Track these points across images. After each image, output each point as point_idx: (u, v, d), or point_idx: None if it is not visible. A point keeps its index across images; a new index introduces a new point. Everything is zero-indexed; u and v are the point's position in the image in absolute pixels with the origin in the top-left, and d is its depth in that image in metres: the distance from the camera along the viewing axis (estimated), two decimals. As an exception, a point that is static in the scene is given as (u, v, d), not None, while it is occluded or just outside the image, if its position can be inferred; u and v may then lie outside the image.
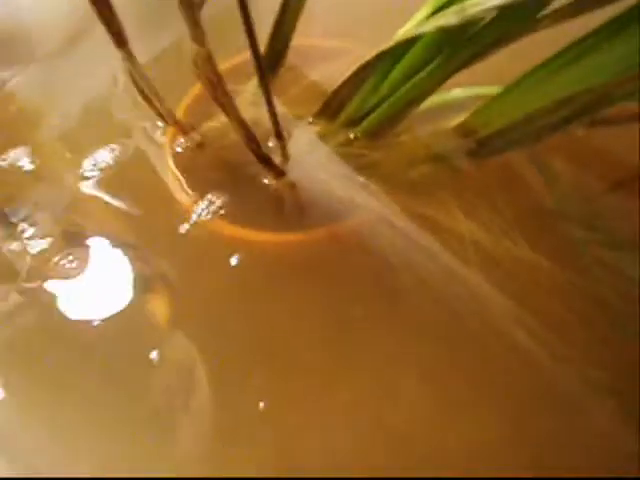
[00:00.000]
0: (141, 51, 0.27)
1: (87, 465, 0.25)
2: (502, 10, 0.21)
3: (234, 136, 0.27)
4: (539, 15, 0.22)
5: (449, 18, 0.22)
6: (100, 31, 0.25)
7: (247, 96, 0.29)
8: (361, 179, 0.28)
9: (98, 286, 0.29)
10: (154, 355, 0.26)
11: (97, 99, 0.37)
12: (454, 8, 0.22)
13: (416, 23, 0.24)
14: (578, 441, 0.25)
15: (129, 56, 0.26)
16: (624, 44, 0.20)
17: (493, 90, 0.25)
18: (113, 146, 0.33)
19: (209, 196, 0.29)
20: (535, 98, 0.24)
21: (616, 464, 0.24)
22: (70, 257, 0.29)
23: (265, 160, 0.27)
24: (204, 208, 0.29)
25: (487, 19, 0.23)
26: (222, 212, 0.29)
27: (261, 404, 0.25)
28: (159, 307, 0.27)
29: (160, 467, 0.24)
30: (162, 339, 0.27)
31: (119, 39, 0.25)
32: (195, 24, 0.20)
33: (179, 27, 0.22)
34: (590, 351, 0.26)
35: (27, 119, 0.38)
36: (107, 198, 0.32)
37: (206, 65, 0.23)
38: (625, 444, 0.24)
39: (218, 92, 0.22)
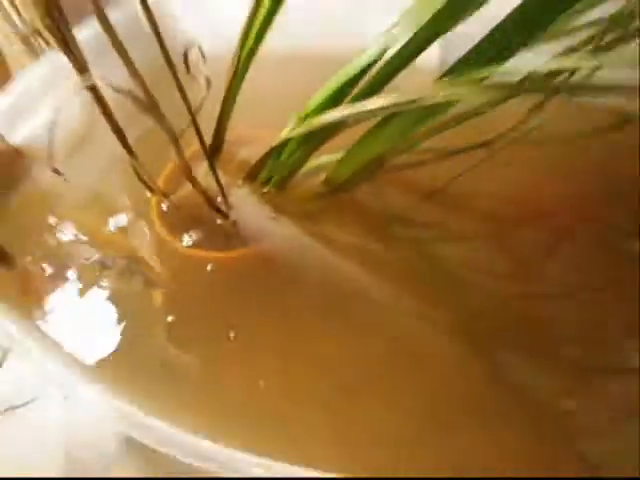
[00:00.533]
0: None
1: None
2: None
3: (196, 196, 0.47)
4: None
5: (311, 124, 0.42)
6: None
7: (203, 170, 0.48)
8: (274, 215, 0.48)
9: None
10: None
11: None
12: (316, 119, 0.42)
13: (290, 128, 0.45)
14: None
15: (130, 152, 0.44)
16: (393, 129, 0.41)
17: (340, 155, 0.46)
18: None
19: (186, 235, 0.49)
20: (363, 155, 0.45)
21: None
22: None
23: (217, 210, 0.47)
24: (184, 241, 0.48)
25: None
26: (195, 242, 0.48)
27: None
28: (157, 298, 0.45)
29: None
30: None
31: (123, 141, 0.43)
32: (179, 151, 0.40)
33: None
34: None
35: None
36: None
37: (178, 153, 0.42)
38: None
39: (186, 171, 0.42)
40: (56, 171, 0.37)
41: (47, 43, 0.36)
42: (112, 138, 0.41)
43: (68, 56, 0.35)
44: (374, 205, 0.49)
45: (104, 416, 0.34)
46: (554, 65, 0.35)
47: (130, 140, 0.42)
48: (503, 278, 0.46)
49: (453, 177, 0.46)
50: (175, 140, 0.37)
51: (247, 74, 0.48)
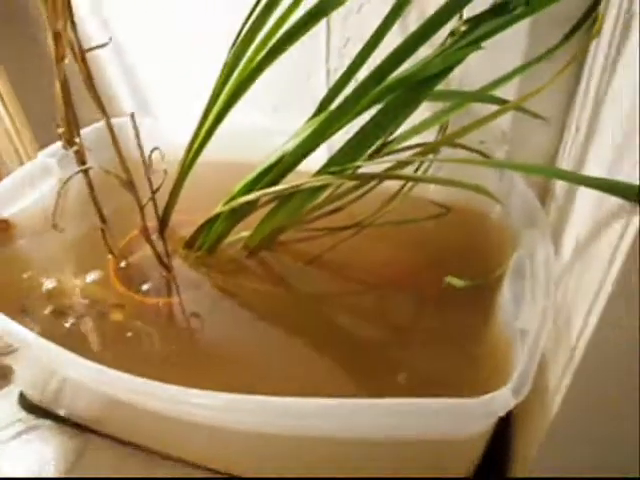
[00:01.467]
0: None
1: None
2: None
3: (145, 260, 0.65)
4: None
5: (234, 203, 0.63)
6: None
7: (155, 240, 0.67)
8: (204, 271, 0.67)
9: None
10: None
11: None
12: (237, 200, 0.63)
13: (220, 206, 0.65)
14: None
15: (104, 221, 0.63)
16: (288, 208, 0.62)
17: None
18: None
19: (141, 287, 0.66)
20: (267, 227, 0.65)
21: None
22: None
23: (163, 265, 0.65)
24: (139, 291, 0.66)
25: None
26: (142, 292, 0.66)
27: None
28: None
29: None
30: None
31: (100, 213, 0.62)
32: (142, 216, 0.59)
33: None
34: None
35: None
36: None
37: (144, 230, 0.61)
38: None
39: (145, 233, 0.60)
40: (55, 226, 0.54)
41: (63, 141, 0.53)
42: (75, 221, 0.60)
43: (75, 152, 0.55)
44: (274, 265, 0.69)
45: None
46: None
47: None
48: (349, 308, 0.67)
49: (329, 248, 0.68)
50: (141, 207, 0.56)
51: (190, 175, 0.69)
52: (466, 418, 0.42)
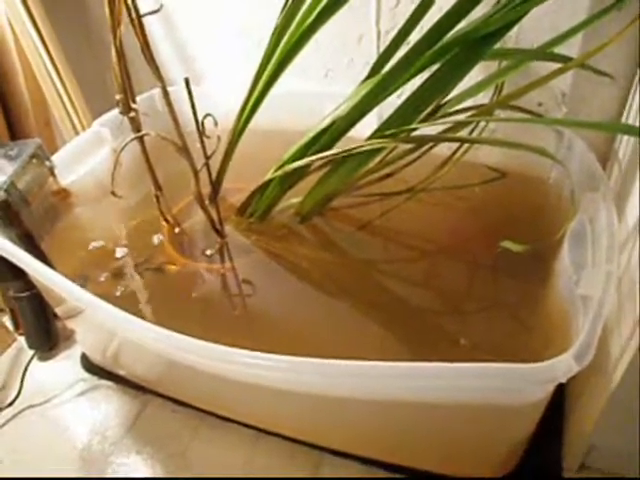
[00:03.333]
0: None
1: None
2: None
3: (199, 226, 0.66)
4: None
5: (285, 169, 0.63)
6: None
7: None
8: (256, 237, 0.68)
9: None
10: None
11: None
12: (289, 166, 0.63)
13: (271, 173, 0.65)
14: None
15: (159, 188, 0.64)
16: (339, 174, 0.62)
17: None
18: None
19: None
20: (319, 193, 0.65)
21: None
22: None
23: (216, 230, 0.66)
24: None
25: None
26: (196, 258, 0.67)
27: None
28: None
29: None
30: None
31: (154, 179, 0.63)
32: (197, 181, 0.60)
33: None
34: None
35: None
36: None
37: (199, 195, 0.61)
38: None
39: (199, 198, 0.61)
40: (114, 193, 0.55)
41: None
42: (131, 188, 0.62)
43: (131, 119, 0.55)
44: (326, 231, 0.69)
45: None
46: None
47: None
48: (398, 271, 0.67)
49: (381, 213, 0.67)
50: (196, 173, 0.57)
51: (240, 143, 0.69)
52: (527, 383, 0.41)
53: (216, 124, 0.59)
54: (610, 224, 0.53)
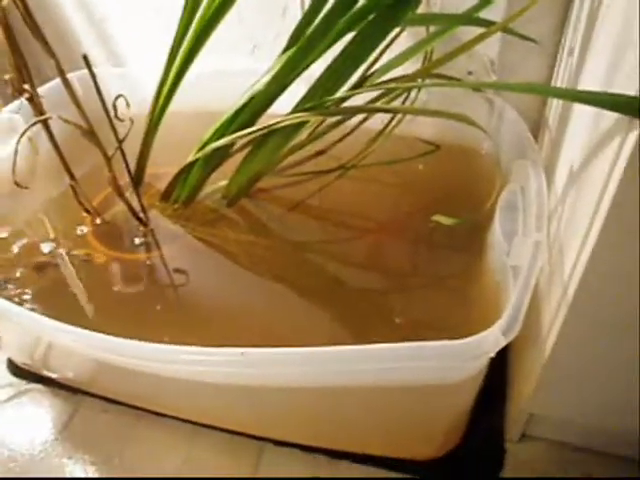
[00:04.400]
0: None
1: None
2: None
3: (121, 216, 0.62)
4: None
5: (207, 150, 0.60)
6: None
7: (128, 195, 0.64)
8: (183, 223, 0.64)
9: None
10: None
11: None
12: (210, 146, 0.60)
13: (193, 154, 0.62)
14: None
15: (73, 177, 0.60)
16: (264, 152, 0.59)
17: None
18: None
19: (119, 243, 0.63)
20: (245, 174, 0.62)
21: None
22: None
23: (138, 219, 0.62)
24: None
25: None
26: (119, 248, 0.63)
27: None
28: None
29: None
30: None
31: (67, 169, 0.59)
32: (110, 167, 0.56)
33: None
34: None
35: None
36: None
37: (113, 182, 0.58)
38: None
39: (116, 187, 0.57)
40: (17, 184, 0.51)
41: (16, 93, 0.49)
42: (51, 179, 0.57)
43: (30, 102, 0.51)
44: (256, 213, 0.67)
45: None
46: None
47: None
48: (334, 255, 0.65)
49: (312, 192, 0.65)
50: (107, 159, 0.53)
51: (166, 126, 0.66)
52: (456, 360, 0.40)
53: (128, 106, 0.55)
54: (540, 192, 0.52)
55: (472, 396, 0.52)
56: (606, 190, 0.36)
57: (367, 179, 0.68)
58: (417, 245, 0.65)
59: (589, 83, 0.46)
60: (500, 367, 0.62)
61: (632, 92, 0.33)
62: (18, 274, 0.62)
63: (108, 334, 0.45)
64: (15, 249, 0.65)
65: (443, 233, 0.64)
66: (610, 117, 0.37)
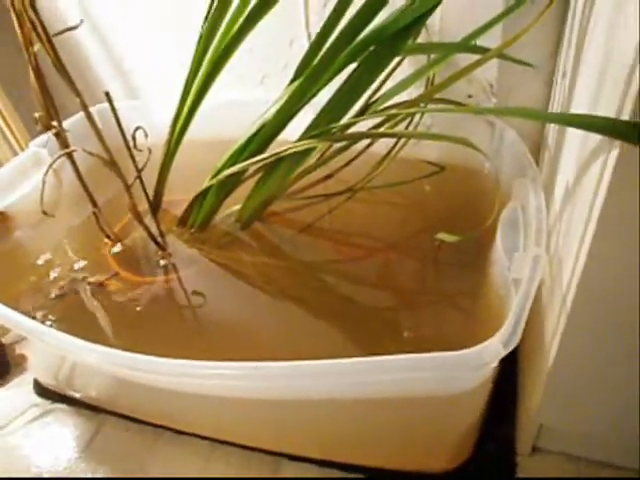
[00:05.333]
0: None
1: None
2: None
3: (141, 242, 0.66)
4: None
5: (221, 176, 0.63)
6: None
7: (147, 221, 0.67)
8: (199, 247, 0.68)
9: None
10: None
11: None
12: (224, 172, 0.63)
13: (207, 181, 0.65)
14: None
15: (95, 204, 0.63)
16: (274, 177, 0.62)
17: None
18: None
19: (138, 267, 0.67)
20: (257, 198, 0.65)
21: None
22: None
23: (157, 243, 0.65)
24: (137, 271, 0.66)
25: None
26: (139, 273, 0.66)
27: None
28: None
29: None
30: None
31: (90, 196, 0.62)
32: (130, 195, 0.59)
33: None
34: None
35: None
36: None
37: (133, 209, 0.61)
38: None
39: (136, 213, 0.61)
40: (45, 212, 0.54)
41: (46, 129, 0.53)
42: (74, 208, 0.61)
43: (57, 136, 0.55)
44: (269, 236, 0.69)
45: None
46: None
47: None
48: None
49: (322, 214, 0.68)
50: (127, 187, 0.56)
51: (181, 154, 0.69)
52: (458, 370, 0.42)
53: (146, 136, 0.59)
54: (539, 209, 0.54)
55: (479, 407, 0.53)
56: (594, 205, 0.38)
57: (375, 201, 0.71)
58: (424, 263, 0.68)
59: (579, 105, 0.49)
60: (511, 378, 0.64)
61: (612, 114, 0.35)
62: (44, 300, 0.65)
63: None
64: (50, 275, 0.68)
65: (449, 251, 0.66)
66: (596, 137, 0.39)
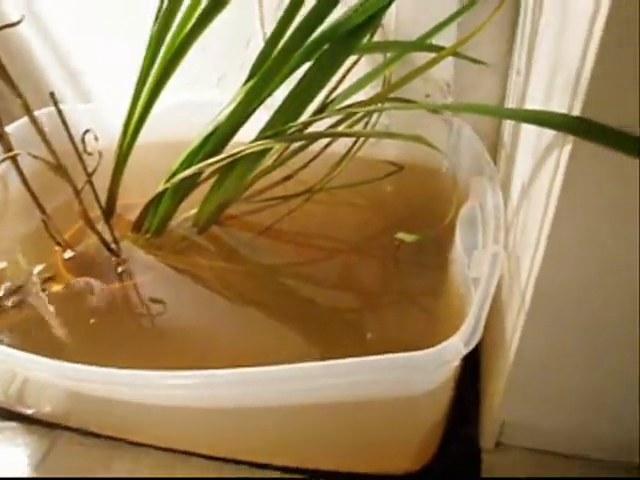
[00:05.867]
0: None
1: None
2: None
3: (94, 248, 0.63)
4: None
5: (175, 179, 0.61)
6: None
7: (100, 227, 0.65)
8: (155, 253, 0.65)
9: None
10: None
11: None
12: (178, 175, 0.61)
13: (162, 184, 0.63)
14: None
15: (43, 211, 0.61)
16: (231, 179, 0.61)
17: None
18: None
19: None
20: (214, 201, 0.63)
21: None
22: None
23: (109, 249, 0.63)
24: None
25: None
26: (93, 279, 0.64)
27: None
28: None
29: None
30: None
31: (38, 203, 0.60)
32: (80, 200, 0.57)
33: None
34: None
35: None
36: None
37: (83, 214, 0.59)
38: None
39: (86, 219, 0.58)
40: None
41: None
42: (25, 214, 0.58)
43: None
44: (227, 240, 0.68)
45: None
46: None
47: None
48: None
49: (281, 217, 0.67)
50: (77, 193, 0.54)
51: (138, 157, 0.67)
52: (419, 371, 0.41)
53: (96, 139, 0.57)
54: (496, 206, 0.54)
55: (443, 406, 0.53)
56: (549, 201, 0.38)
57: (334, 202, 0.70)
58: (385, 263, 0.67)
59: (534, 102, 0.49)
60: (473, 376, 0.64)
61: (564, 110, 0.35)
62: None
63: (83, 364, 0.45)
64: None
65: (410, 250, 0.65)
66: (549, 133, 0.39)
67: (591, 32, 0.31)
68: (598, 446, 0.54)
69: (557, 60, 0.40)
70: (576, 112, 0.33)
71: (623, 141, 0.29)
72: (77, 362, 0.45)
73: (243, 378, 0.42)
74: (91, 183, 0.54)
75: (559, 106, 0.37)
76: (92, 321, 0.61)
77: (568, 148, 0.34)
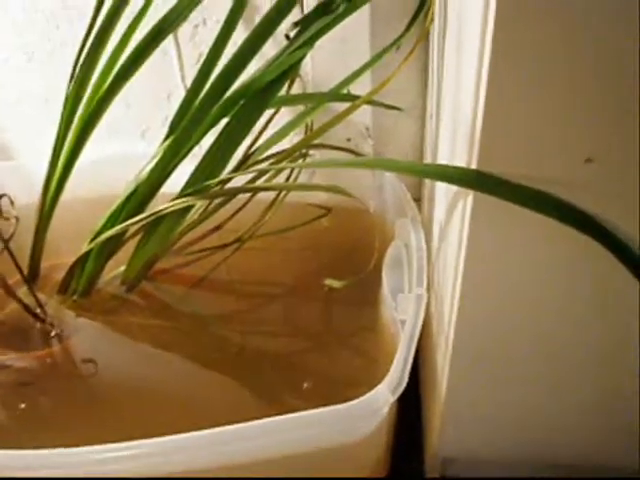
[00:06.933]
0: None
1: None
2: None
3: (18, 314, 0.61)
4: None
5: (99, 239, 0.60)
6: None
7: (23, 292, 0.62)
8: (83, 314, 0.64)
9: None
10: None
11: None
12: (103, 235, 0.60)
13: (86, 244, 0.62)
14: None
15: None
16: (156, 236, 0.60)
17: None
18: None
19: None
20: (141, 257, 0.63)
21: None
22: None
23: (34, 315, 0.61)
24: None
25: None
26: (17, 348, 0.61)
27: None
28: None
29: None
30: None
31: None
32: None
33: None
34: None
35: None
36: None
37: (3, 283, 0.56)
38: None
39: (6, 287, 0.56)
40: None
41: None
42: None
43: None
44: (159, 295, 0.67)
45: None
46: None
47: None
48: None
49: (212, 268, 0.66)
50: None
51: (64, 214, 0.65)
52: (348, 423, 0.42)
53: (12, 203, 0.55)
54: (419, 248, 0.56)
55: (382, 449, 0.53)
56: (462, 240, 0.40)
57: (267, 248, 0.71)
58: (320, 305, 0.68)
59: (445, 145, 0.51)
60: (417, 412, 0.65)
61: (464, 158, 0.37)
62: None
63: (8, 448, 0.43)
64: None
65: (345, 290, 0.66)
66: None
67: (478, 83, 0.32)
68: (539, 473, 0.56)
69: (456, 109, 0.42)
70: (473, 163, 0.35)
71: (517, 194, 0.31)
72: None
73: (176, 445, 0.41)
74: (8, 248, 0.53)
75: (460, 156, 0.39)
76: (15, 394, 0.58)
77: (471, 196, 0.36)
